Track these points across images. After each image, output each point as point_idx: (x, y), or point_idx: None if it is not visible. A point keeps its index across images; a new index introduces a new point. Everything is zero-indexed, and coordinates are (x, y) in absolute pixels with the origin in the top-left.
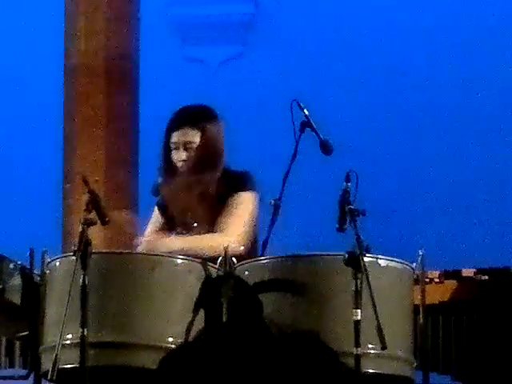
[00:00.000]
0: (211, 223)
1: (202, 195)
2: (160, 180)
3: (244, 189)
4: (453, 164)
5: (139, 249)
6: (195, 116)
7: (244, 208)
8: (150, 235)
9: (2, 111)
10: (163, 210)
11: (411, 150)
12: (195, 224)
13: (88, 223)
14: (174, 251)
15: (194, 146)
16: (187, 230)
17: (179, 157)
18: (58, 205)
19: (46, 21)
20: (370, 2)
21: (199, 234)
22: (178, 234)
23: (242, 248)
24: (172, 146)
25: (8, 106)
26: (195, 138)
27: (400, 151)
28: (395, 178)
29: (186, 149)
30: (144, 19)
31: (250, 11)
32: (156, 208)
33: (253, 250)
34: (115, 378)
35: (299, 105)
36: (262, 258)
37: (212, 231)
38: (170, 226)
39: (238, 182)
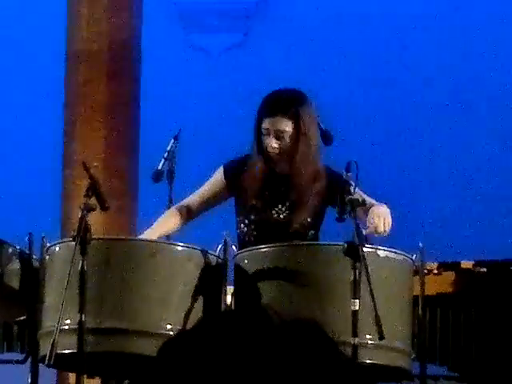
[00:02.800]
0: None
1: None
2: (161, 166)
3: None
4: (452, 155)
5: None
6: (287, 103)
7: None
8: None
9: (3, 97)
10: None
11: (411, 141)
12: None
13: (88, 209)
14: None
15: (287, 135)
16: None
17: (270, 143)
18: (58, 190)
19: (49, 7)
20: None
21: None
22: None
23: None
24: (263, 131)
25: (9, 92)
26: (287, 126)
27: (400, 142)
28: (394, 169)
29: (277, 137)
30: (146, 6)
31: (253, 0)
32: (221, 173)
33: None
34: (113, 364)
35: None
36: (262, 246)
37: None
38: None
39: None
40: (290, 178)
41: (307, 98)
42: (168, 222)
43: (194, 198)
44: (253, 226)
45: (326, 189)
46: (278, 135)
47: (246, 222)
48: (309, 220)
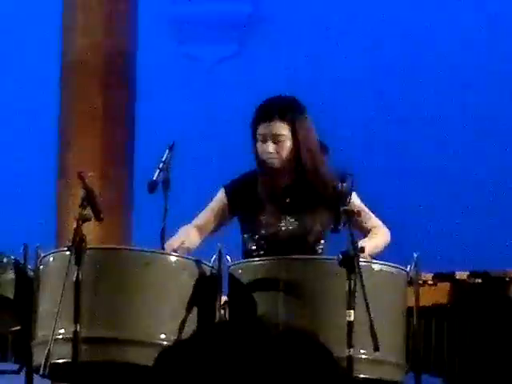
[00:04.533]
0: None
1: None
2: (156, 177)
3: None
4: (447, 166)
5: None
6: (283, 107)
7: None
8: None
9: None
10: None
11: (407, 152)
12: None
13: (83, 219)
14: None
15: (284, 139)
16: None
17: (266, 149)
18: (53, 200)
19: (44, 16)
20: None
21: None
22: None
23: None
24: (259, 137)
25: (4, 103)
26: (284, 130)
27: (395, 153)
28: (390, 179)
29: (274, 142)
30: (141, 17)
31: (247, 10)
32: (223, 192)
33: None
34: (107, 374)
35: None
36: (256, 258)
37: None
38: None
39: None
40: (300, 186)
41: (303, 105)
42: (191, 237)
43: (199, 222)
44: (263, 242)
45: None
46: (275, 140)
47: (256, 237)
48: (320, 229)
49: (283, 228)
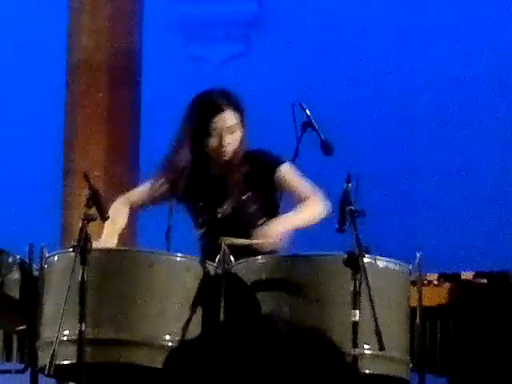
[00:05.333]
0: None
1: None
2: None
3: (280, 162)
4: (452, 166)
5: None
6: (233, 97)
7: (299, 175)
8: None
9: (3, 107)
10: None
11: (412, 151)
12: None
13: (88, 219)
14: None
15: (237, 128)
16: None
17: (225, 140)
18: (58, 200)
19: (49, 17)
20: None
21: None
22: (199, 209)
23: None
24: (212, 132)
25: (9, 102)
26: (236, 119)
27: (400, 153)
28: (395, 179)
29: (230, 133)
30: (147, 17)
31: (254, 10)
32: (152, 181)
33: None
34: (112, 375)
35: (301, 105)
36: (260, 257)
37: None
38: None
39: (269, 159)
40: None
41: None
42: (120, 219)
43: (139, 193)
44: (204, 228)
45: (249, 175)
46: (231, 130)
47: (199, 221)
48: (256, 208)
49: (220, 215)
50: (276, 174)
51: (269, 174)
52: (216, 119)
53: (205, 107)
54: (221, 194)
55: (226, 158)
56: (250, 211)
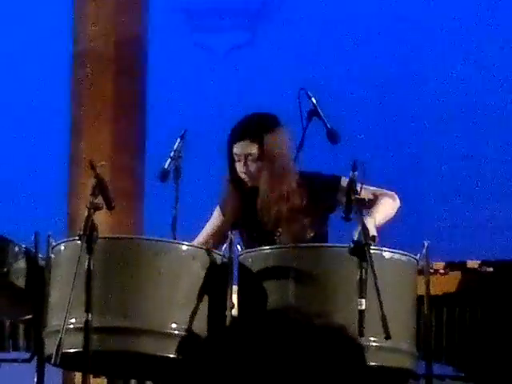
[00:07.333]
0: (299, 233)
1: (291, 209)
2: (167, 166)
3: (339, 178)
4: (458, 155)
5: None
6: (254, 128)
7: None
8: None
9: (10, 96)
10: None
11: (418, 141)
12: (278, 234)
13: (94, 208)
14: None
15: (252, 158)
16: (267, 238)
17: (240, 169)
18: (64, 189)
19: (55, 6)
20: None
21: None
22: (252, 240)
23: None
24: (235, 157)
25: (16, 92)
26: (254, 149)
27: (407, 142)
28: (401, 168)
29: (246, 161)
30: (153, 5)
31: None
32: (218, 210)
33: None
34: (118, 363)
35: (307, 93)
36: (267, 247)
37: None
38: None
39: (328, 179)
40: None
41: (277, 121)
42: None
43: (200, 240)
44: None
45: (309, 201)
46: (247, 159)
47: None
48: (311, 235)
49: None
50: (340, 192)
51: (332, 193)
52: (235, 146)
53: (230, 133)
54: (273, 224)
55: (249, 185)
56: (308, 238)
